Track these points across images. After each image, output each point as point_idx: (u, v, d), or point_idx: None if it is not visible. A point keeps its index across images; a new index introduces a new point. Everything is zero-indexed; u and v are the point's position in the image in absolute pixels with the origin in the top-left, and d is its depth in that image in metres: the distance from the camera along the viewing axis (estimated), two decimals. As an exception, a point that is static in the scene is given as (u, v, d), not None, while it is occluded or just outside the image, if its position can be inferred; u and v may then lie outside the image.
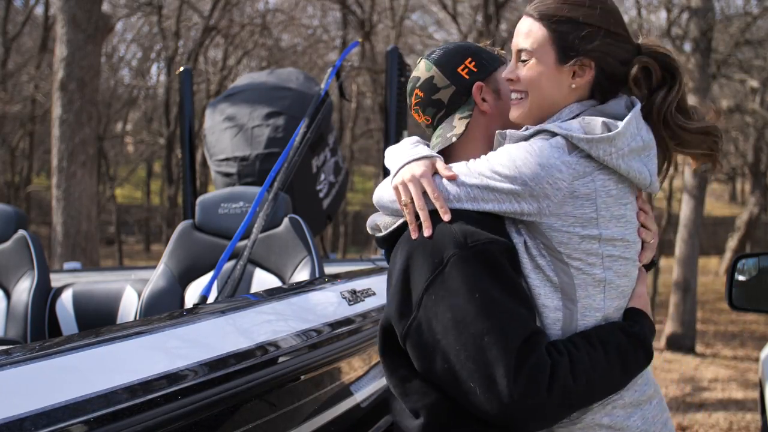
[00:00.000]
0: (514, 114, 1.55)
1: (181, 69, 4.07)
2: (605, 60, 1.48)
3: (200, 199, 3.22)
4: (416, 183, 1.46)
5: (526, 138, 1.45)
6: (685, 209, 10.45)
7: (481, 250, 1.38)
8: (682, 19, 12.74)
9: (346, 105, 17.69)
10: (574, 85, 1.49)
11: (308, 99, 3.80)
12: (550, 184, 1.38)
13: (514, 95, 1.54)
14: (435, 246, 1.41)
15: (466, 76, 1.60)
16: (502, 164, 1.41)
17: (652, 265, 1.63)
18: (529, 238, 1.44)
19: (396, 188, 1.49)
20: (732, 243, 16.83)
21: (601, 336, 1.43)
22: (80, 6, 6.82)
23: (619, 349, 1.43)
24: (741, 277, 2.80)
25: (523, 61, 1.51)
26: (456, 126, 1.58)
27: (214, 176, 4.02)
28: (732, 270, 2.79)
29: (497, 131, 1.50)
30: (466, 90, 1.60)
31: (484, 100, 1.60)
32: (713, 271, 19.07)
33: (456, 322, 1.37)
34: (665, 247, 15.74)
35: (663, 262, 16.11)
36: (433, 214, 1.45)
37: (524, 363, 1.33)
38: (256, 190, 3.14)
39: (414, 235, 1.45)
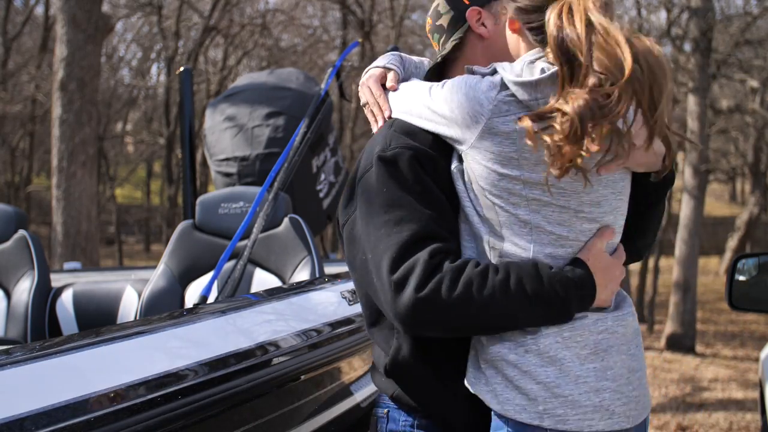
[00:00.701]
0: None
1: (181, 69, 4.07)
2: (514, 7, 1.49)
3: (200, 199, 3.22)
4: (366, 86, 1.63)
5: (484, 74, 1.49)
6: (685, 209, 10.46)
7: (397, 153, 1.46)
8: (682, 19, 12.74)
9: (346, 105, 17.69)
10: (509, 30, 1.54)
11: (308, 99, 3.80)
12: (470, 116, 1.42)
13: None
14: (372, 148, 1.52)
15: (467, 2, 1.67)
16: (445, 90, 1.48)
17: (640, 252, 1.61)
18: (464, 169, 1.48)
19: (358, 94, 1.66)
20: (732, 243, 16.83)
21: (510, 265, 1.40)
22: (80, 6, 6.82)
23: (522, 280, 1.37)
24: (741, 277, 2.80)
25: None
26: (446, 48, 1.67)
27: (214, 176, 4.02)
28: (732, 270, 2.79)
29: (465, 65, 1.55)
30: (462, 15, 1.67)
31: (483, 25, 1.66)
32: (713, 271, 19.08)
33: (365, 214, 1.46)
34: (665, 247, 15.73)
35: (663, 262, 16.11)
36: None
37: (405, 257, 1.37)
38: (256, 190, 3.14)
39: (373, 129, 1.59)
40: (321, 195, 4.08)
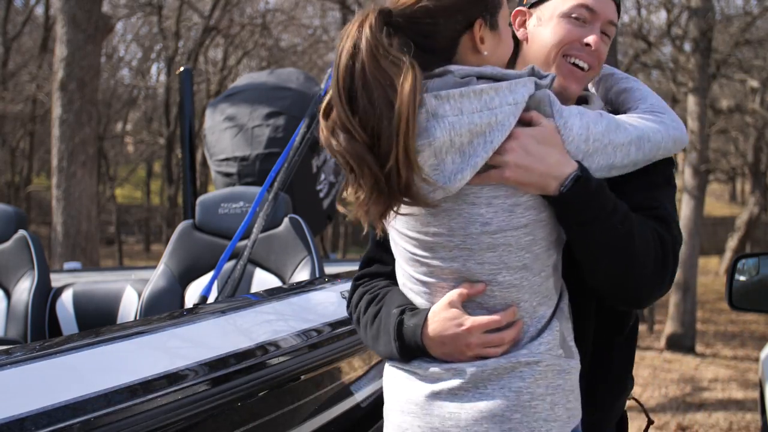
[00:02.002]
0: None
1: (181, 69, 4.07)
2: None
3: (200, 199, 3.22)
4: None
5: None
6: (685, 209, 10.46)
7: None
8: (682, 19, 12.75)
9: (346, 105, 17.63)
10: None
11: (308, 99, 3.79)
12: None
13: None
14: None
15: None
16: None
17: None
18: None
19: None
20: (732, 243, 16.82)
21: (387, 298, 1.52)
22: (80, 6, 6.82)
23: (382, 314, 1.50)
24: (741, 277, 2.80)
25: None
26: None
27: (214, 176, 4.02)
28: (732, 270, 2.79)
29: None
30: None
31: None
32: (713, 271, 19.06)
33: None
34: (665, 247, 15.67)
35: (663, 262, 16.06)
36: None
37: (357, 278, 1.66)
38: (256, 190, 3.14)
39: None
40: (321, 195, 4.08)
